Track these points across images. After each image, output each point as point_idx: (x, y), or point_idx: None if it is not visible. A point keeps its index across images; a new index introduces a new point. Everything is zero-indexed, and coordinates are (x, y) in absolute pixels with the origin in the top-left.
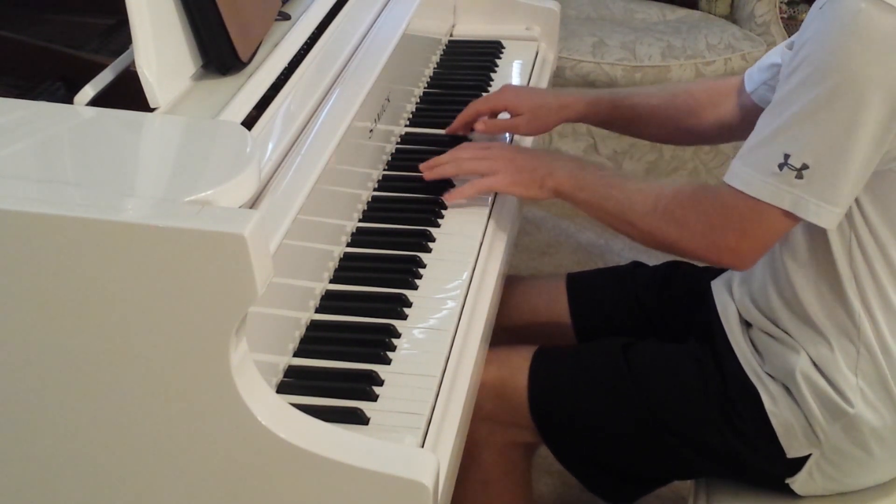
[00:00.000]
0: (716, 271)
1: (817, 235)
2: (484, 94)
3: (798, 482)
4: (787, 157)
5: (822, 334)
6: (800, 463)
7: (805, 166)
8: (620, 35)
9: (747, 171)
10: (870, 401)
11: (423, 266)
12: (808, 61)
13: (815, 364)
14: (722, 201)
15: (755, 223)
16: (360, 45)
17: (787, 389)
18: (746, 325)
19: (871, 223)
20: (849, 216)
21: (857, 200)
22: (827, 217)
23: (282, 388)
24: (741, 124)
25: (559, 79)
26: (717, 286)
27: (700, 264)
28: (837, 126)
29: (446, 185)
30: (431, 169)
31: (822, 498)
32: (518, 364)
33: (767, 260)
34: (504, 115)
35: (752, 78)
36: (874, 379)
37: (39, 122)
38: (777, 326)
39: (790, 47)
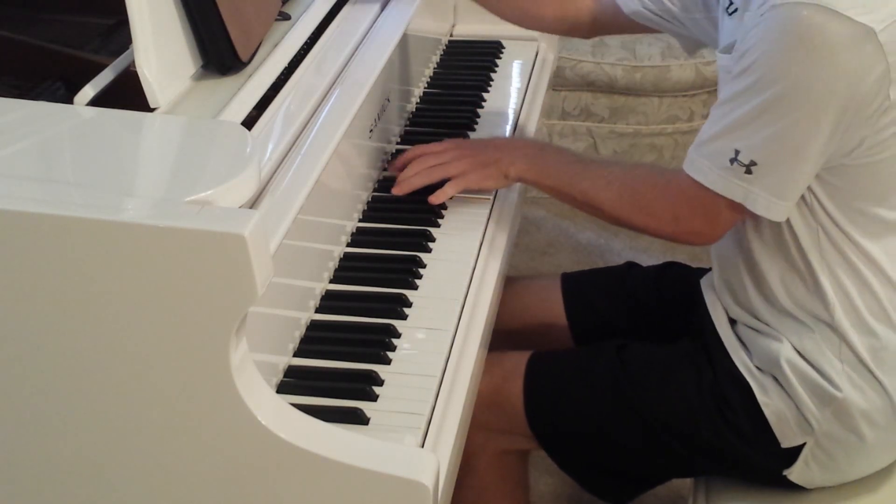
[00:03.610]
0: (706, 270)
1: (785, 230)
2: (484, 94)
3: (795, 472)
4: (737, 152)
5: (802, 323)
6: (795, 453)
7: (753, 163)
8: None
9: (703, 161)
10: (856, 383)
11: (423, 266)
12: (753, 69)
13: (799, 352)
14: (683, 190)
15: (715, 211)
16: (360, 45)
17: (777, 379)
18: (732, 320)
19: (833, 216)
20: (812, 211)
21: (816, 196)
22: (776, 210)
23: (282, 388)
24: (591, 26)
25: (559, 79)
26: (706, 284)
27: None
28: (783, 129)
29: (430, 187)
30: (402, 186)
31: (821, 491)
32: (512, 371)
33: (743, 257)
34: None
35: (629, 5)
36: (857, 362)
37: (39, 122)
38: (758, 320)
39: (726, 51)
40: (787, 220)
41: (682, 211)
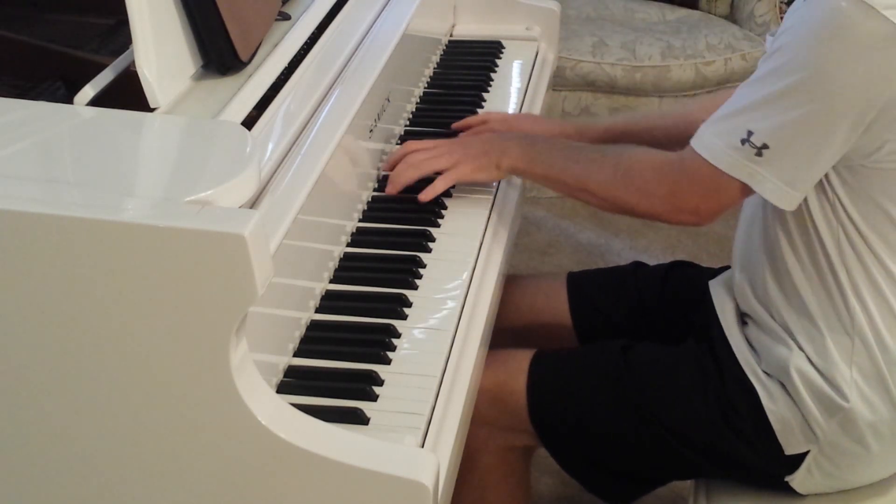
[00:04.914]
0: (715, 271)
1: (811, 228)
2: (484, 94)
3: (797, 480)
4: (750, 133)
5: (818, 326)
6: (798, 460)
7: (765, 146)
8: (620, 35)
9: (712, 139)
10: (865, 395)
11: (423, 266)
12: (784, 51)
13: (809, 359)
14: (684, 165)
15: (715, 189)
16: (360, 45)
17: (784, 386)
18: (743, 323)
19: (854, 219)
20: (834, 211)
21: (837, 197)
22: (785, 197)
23: (282, 388)
24: None
25: (559, 79)
26: (715, 286)
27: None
28: (801, 117)
29: (423, 184)
30: (394, 182)
31: (821, 497)
32: (516, 368)
33: (767, 251)
34: None
35: None
36: (869, 372)
37: (39, 122)
38: (773, 319)
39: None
40: (811, 216)
41: (680, 187)
